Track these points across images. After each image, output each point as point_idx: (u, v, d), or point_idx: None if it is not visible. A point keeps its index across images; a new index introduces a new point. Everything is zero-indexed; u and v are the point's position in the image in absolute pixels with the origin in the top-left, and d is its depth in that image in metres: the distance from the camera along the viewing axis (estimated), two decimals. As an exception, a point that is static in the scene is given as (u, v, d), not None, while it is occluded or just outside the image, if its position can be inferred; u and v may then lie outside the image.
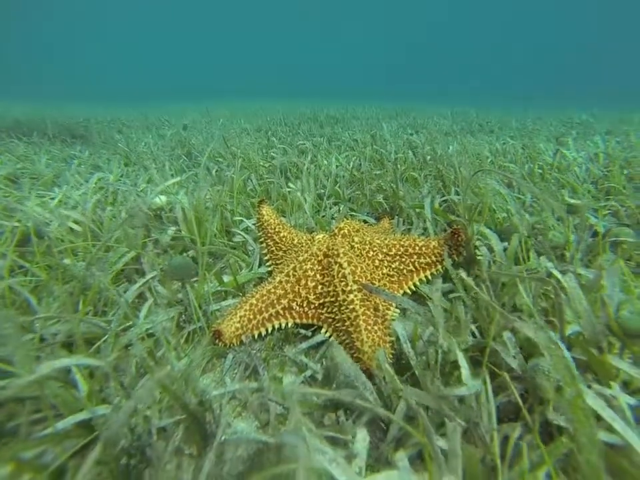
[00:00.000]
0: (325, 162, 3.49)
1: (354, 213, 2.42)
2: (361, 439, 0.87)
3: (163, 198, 2.03)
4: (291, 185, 2.78)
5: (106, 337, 1.26)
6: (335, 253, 1.45)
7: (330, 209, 2.54)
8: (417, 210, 2.21)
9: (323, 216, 2.40)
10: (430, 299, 1.44)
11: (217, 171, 3.23)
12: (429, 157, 3.66)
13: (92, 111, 11.69)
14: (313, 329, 1.45)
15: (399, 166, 2.68)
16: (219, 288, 1.65)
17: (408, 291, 1.50)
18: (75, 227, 1.94)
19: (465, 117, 9.88)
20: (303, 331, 1.45)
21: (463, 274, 1.30)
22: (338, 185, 2.89)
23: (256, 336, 1.38)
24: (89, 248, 1.79)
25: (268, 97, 24.63)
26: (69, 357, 1.11)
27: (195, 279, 1.59)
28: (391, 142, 4.42)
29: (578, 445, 0.70)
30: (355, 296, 1.31)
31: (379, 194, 2.68)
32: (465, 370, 1.01)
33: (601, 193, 2.70)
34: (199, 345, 1.33)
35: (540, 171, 3.28)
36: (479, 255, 1.48)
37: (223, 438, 1.02)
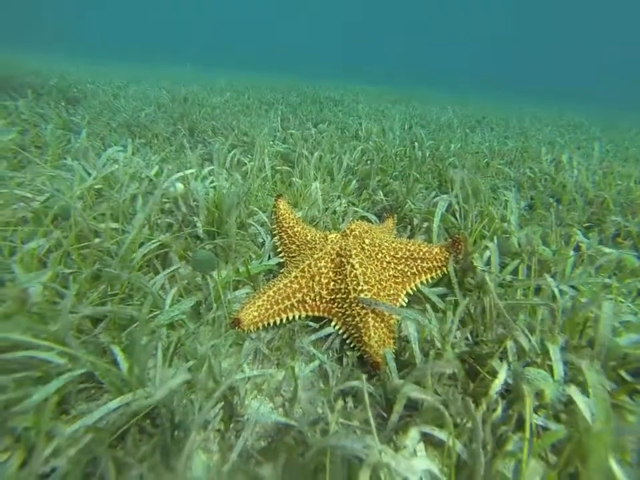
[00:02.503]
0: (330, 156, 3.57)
1: (356, 209, 2.55)
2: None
3: (180, 186, 2.11)
4: (296, 179, 2.87)
5: (136, 323, 1.37)
6: (348, 253, 1.60)
7: (332, 202, 2.67)
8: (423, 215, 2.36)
9: (327, 208, 2.53)
10: (429, 300, 1.62)
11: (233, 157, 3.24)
12: (428, 153, 3.78)
13: (81, 68, 11.19)
14: (321, 322, 1.59)
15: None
16: (234, 278, 1.78)
17: (410, 292, 1.67)
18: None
19: (462, 108, 9.98)
20: (312, 324, 1.60)
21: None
22: (340, 176, 3.01)
23: (271, 324, 1.53)
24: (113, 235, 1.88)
25: (261, 70, 23.92)
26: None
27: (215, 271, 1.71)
28: (396, 136, 4.50)
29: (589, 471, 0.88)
30: (366, 295, 1.47)
31: (380, 190, 2.81)
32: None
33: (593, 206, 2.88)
34: (221, 332, 1.48)
35: (531, 175, 3.47)
36: (477, 266, 1.65)
37: (246, 417, 1.19)
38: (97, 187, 2.22)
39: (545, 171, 3.50)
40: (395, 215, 2.39)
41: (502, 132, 6.70)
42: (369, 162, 3.49)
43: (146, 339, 1.34)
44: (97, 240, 1.68)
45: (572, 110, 15.11)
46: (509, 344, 1.26)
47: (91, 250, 1.60)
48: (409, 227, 2.44)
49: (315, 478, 0.94)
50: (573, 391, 1.04)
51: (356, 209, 2.57)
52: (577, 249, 2.02)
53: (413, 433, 1.05)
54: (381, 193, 2.79)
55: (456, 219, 2.29)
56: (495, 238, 1.80)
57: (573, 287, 1.61)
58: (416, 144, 3.92)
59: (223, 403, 1.15)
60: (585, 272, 1.69)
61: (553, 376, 1.18)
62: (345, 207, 2.66)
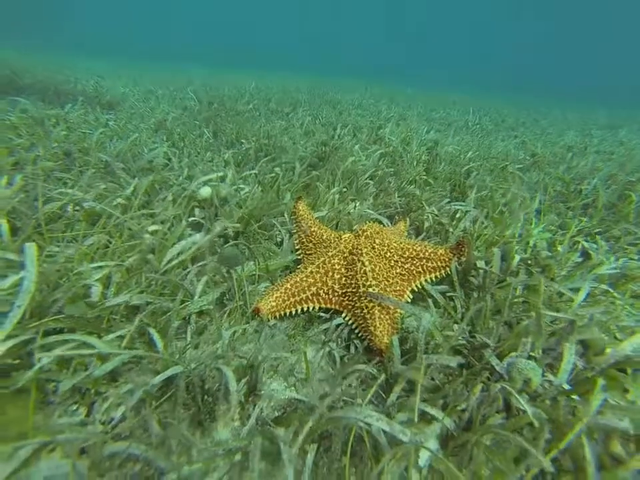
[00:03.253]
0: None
1: (369, 211, 2.70)
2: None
3: (207, 189, 2.32)
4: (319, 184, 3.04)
5: (170, 312, 1.57)
6: (359, 252, 1.76)
7: (348, 204, 2.83)
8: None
9: (339, 211, 2.69)
10: (431, 297, 1.76)
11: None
12: (442, 159, 3.90)
13: (111, 72, 11.75)
14: (331, 312, 1.76)
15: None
16: (254, 272, 1.96)
17: (415, 288, 1.82)
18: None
19: (477, 107, 9.94)
20: (323, 315, 1.77)
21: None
22: (358, 181, 3.16)
23: (287, 314, 1.70)
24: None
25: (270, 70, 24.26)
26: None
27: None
28: (417, 142, 4.61)
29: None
30: (373, 290, 1.63)
31: (395, 194, 2.96)
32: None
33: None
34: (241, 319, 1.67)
35: (548, 179, 3.53)
36: (479, 268, 1.78)
37: (263, 392, 1.37)
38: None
39: (561, 176, 3.56)
40: (408, 219, 2.53)
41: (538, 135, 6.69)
42: (387, 166, 3.63)
43: (177, 324, 1.55)
44: (137, 240, 1.90)
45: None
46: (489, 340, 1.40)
47: (132, 248, 1.83)
48: (420, 229, 2.58)
49: (321, 441, 1.11)
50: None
51: (370, 211, 2.72)
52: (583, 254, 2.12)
53: (408, 408, 1.20)
54: (396, 196, 2.93)
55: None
56: (500, 244, 1.92)
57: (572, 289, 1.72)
58: (435, 150, 4.04)
59: (247, 378, 1.33)
60: (583, 276, 1.79)
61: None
62: (360, 209, 2.82)
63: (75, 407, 1.18)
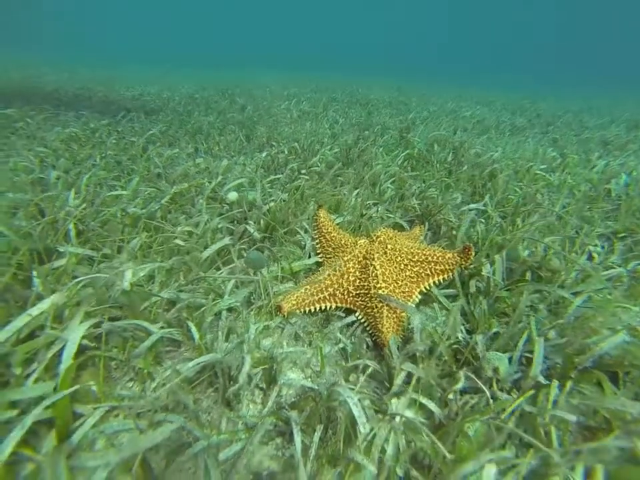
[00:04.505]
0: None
1: (390, 215, 2.84)
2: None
3: (235, 194, 2.56)
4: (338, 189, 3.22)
5: (204, 307, 1.81)
6: (372, 256, 1.93)
7: (369, 209, 2.98)
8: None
9: (363, 214, 2.84)
10: (437, 299, 1.89)
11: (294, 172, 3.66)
12: (464, 161, 3.94)
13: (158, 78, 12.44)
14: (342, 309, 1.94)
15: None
16: (279, 274, 2.17)
17: (423, 290, 1.96)
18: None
19: (509, 103, 9.62)
20: (339, 313, 1.95)
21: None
22: (380, 184, 3.30)
23: (306, 312, 1.90)
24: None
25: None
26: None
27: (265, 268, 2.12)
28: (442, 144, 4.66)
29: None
30: (383, 291, 1.79)
31: (414, 198, 3.07)
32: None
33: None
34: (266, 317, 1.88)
35: (572, 181, 3.50)
36: (483, 272, 1.90)
37: (281, 382, 1.57)
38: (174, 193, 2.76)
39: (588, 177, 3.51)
40: (424, 225, 2.66)
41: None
42: (409, 169, 3.74)
43: (210, 319, 1.79)
44: (176, 241, 2.17)
45: None
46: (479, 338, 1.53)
47: (170, 248, 2.10)
48: (438, 234, 2.69)
49: (328, 423, 1.30)
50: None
51: (390, 215, 2.86)
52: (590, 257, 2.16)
53: (405, 397, 1.36)
54: (415, 200, 3.04)
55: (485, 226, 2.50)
56: (505, 250, 2.01)
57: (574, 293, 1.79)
58: (458, 151, 4.08)
59: (265, 366, 1.53)
60: (591, 282, 1.86)
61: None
62: (381, 213, 2.96)
63: (130, 384, 1.44)
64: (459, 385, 1.31)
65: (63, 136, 4.24)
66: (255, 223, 2.49)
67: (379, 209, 2.99)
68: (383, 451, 1.16)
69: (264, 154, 4.13)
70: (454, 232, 2.43)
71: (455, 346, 1.57)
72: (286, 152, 4.19)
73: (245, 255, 2.05)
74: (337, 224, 2.61)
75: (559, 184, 3.35)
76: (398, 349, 1.52)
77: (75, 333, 1.33)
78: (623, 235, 2.71)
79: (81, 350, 1.39)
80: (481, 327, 1.62)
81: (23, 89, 7.67)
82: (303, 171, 3.53)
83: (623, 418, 1.20)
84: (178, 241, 2.14)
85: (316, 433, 1.22)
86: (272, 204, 2.63)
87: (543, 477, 1.12)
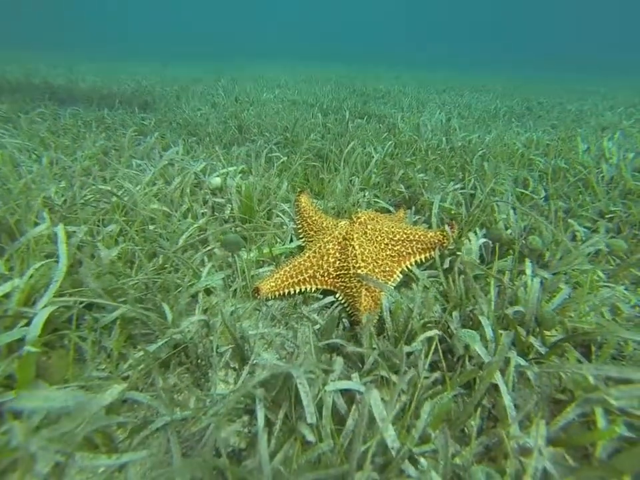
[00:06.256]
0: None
1: (377, 200, 2.81)
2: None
3: (218, 180, 2.53)
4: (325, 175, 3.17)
5: (180, 288, 1.78)
6: (351, 237, 1.90)
7: (357, 194, 2.94)
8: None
9: (353, 204, 2.81)
10: (418, 279, 1.86)
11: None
12: (459, 144, 3.89)
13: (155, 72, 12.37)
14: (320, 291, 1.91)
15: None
16: (258, 257, 2.14)
17: (405, 269, 1.93)
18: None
19: (514, 91, 9.53)
20: (316, 295, 1.92)
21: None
22: (369, 169, 3.26)
23: (285, 294, 1.87)
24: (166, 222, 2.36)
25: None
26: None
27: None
28: (430, 129, 4.61)
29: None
30: (362, 271, 1.76)
31: (401, 183, 3.03)
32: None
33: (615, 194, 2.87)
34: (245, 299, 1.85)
35: (566, 166, 3.45)
36: (459, 252, 1.86)
37: (254, 361, 1.55)
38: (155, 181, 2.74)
39: (580, 161, 3.46)
40: (410, 208, 2.62)
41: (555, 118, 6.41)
42: (398, 155, 3.69)
43: (187, 300, 1.76)
44: (152, 226, 2.14)
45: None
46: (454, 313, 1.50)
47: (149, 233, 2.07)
48: (424, 217, 2.65)
49: (297, 399, 1.28)
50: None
51: (377, 200, 2.82)
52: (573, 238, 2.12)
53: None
54: (402, 185, 3.00)
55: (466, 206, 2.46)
56: (483, 227, 1.98)
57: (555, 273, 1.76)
58: (447, 137, 4.03)
59: (235, 345, 1.51)
60: (572, 260, 1.82)
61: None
62: (368, 198, 2.93)
63: (102, 366, 1.43)
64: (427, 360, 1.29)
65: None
66: (229, 205, 2.46)
67: (366, 193, 2.95)
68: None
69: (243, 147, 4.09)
70: (432, 210, 2.39)
71: (429, 325, 1.54)
72: (273, 141, 4.15)
73: (223, 237, 2.02)
74: (320, 209, 2.57)
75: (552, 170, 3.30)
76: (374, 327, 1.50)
77: (41, 314, 1.31)
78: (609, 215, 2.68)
79: (51, 331, 1.38)
80: (455, 305, 1.58)
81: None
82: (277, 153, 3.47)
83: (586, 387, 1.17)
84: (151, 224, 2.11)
85: (281, 410, 1.20)
86: (241, 183, 2.57)
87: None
